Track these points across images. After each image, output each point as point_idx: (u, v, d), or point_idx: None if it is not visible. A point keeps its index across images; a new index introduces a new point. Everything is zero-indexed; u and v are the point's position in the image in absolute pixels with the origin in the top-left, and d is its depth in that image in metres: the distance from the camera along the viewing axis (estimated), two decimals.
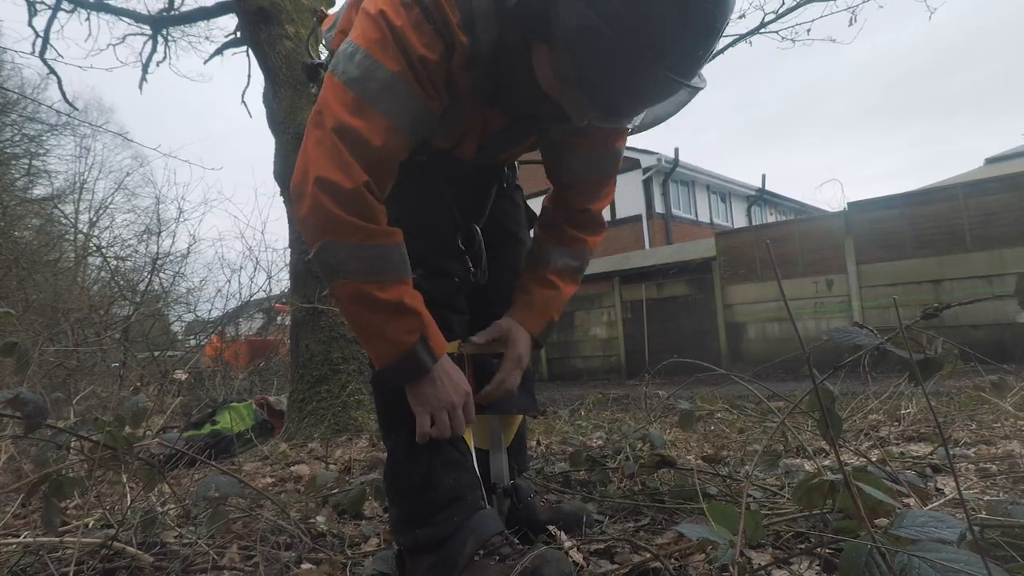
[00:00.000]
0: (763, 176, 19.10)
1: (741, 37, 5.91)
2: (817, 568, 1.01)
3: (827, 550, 1.03)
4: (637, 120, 1.14)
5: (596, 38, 0.84)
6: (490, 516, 1.09)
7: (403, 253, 1.01)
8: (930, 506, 1.25)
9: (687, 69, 0.88)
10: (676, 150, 14.86)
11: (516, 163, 1.50)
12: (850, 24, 5.62)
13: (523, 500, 1.34)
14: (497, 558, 1.02)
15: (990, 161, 15.42)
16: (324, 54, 1.37)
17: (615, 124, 1.16)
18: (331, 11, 1.39)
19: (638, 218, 15.05)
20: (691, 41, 0.85)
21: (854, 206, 8.76)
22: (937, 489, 1.50)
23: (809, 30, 5.82)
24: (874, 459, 1.54)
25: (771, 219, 18.23)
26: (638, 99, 0.96)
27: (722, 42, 6.01)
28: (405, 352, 0.99)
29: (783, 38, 5.93)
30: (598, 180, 1.31)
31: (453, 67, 0.99)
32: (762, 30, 5.82)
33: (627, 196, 15.05)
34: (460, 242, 1.26)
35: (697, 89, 0.97)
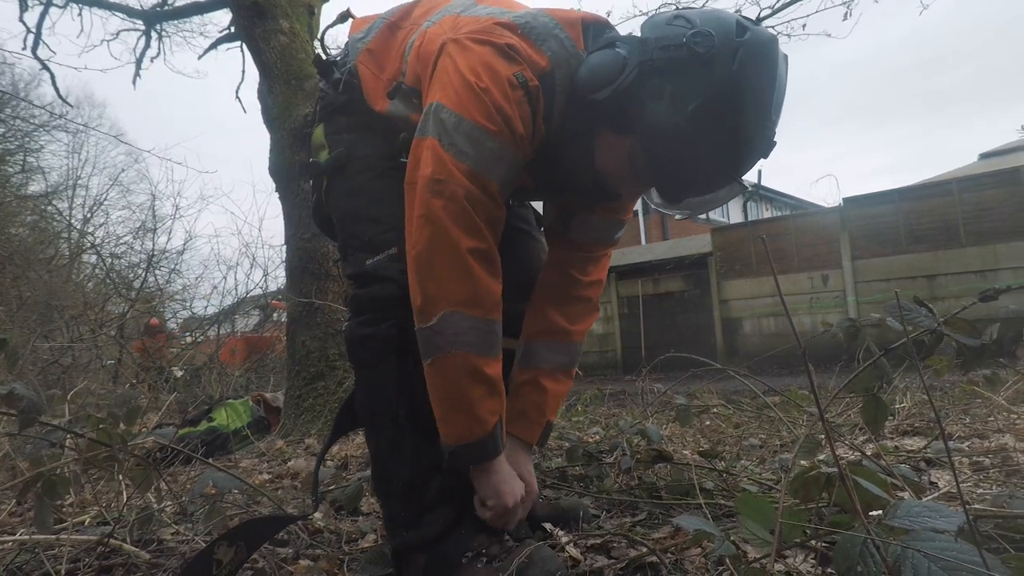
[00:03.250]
0: (759, 172, 19.09)
1: None
2: (812, 561, 1.02)
3: (822, 543, 1.04)
4: (688, 207, 1.16)
5: (684, 143, 0.93)
6: (478, 517, 1.08)
7: (501, 327, 1.03)
8: (925, 499, 1.26)
9: (746, 170, 1.01)
10: None
11: None
12: (844, 19, 5.62)
13: None
14: (485, 559, 1.02)
15: (984, 156, 15.49)
16: (340, 54, 1.33)
17: (669, 209, 1.19)
18: (358, 14, 1.35)
19: (634, 214, 15.07)
20: (756, 151, 0.98)
21: (849, 201, 8.79)
22: (931, 482, 1.51)
23: (804, 25, 5.82)
24: (869, 453, 1.55)
25: (767, 215, 18.26)
26: (700, 192, 1.06)
27: None
28: (488, 432, 0.99)
29: (778, 33, 5.93)
30: (602, 245, 1.34)
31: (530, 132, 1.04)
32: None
33: None
34: None
35: (747, 190, 1.09)
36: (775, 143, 0.98)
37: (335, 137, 1.22)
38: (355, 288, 1.14)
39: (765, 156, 1.00)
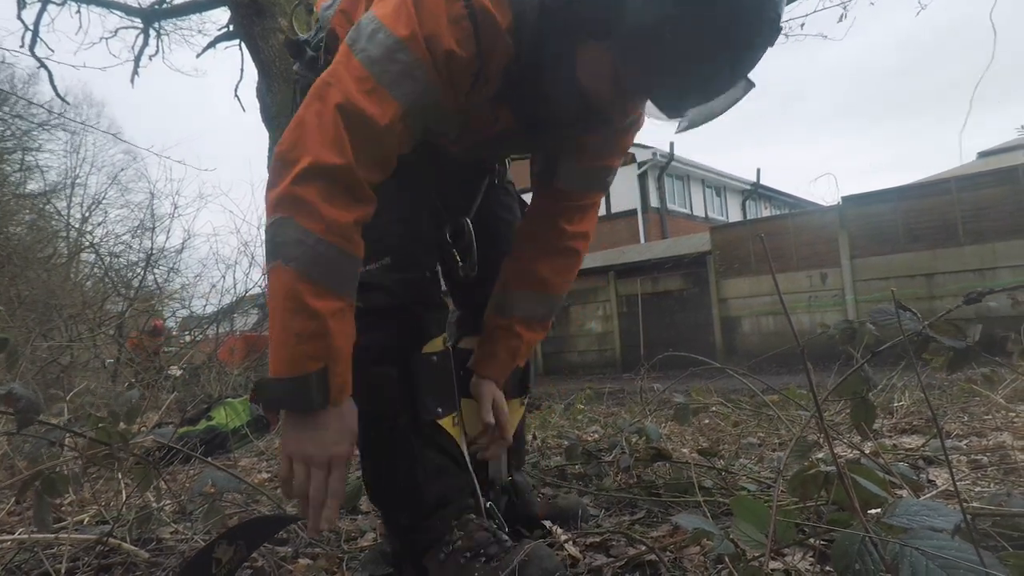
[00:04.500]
0: (758, 170, 19.13)
1: None
2: (811, 559, 1.02)
3: (821, 541, 1.04)
4: (689, 117, 1.10)
5: (670, 31, 0.80)
6: (476, 517, 1.08)
7: (356, 267, 0.93)
8: (923, 497, 1.26)
9: (752, 62, 0.87)
10: (671, 144, 14.88)
11: (507, 160, 1.49)
12: (840, 20, 5.62)
13: (521, 496, 1.33)
14: (483, 559, 1.00)
15: (983, 155, 15.50)
16: (311, 33, 1.31)
17: (672, 119, 1.10)
18: None
19: (633, 212, 15.06)
20: (758, 33, 0.83)
21: (848, 200, 8.79)
22: (929, 481, 1.51)
23: (803, 24, 5.82)
24: (867, 451, 1.56)
25: (766, 213, 18.27)
26: (703, 93, 0.91)
27: None
28: (297, 375, 0.86)
29: None
30: (589, 195, 1.28)
31: (489, 72, 0.95)
32: None
33: (622, 190, 15.05)
34: (448, 235, 1.22)
35: (752, 85, 0.94)
36: (780, 28, 0.84)
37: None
38: None
39: (771, 42, 0.85)
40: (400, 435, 1.05)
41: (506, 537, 1.07)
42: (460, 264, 1.22)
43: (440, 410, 1.07)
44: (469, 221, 1.24)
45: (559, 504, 1.35)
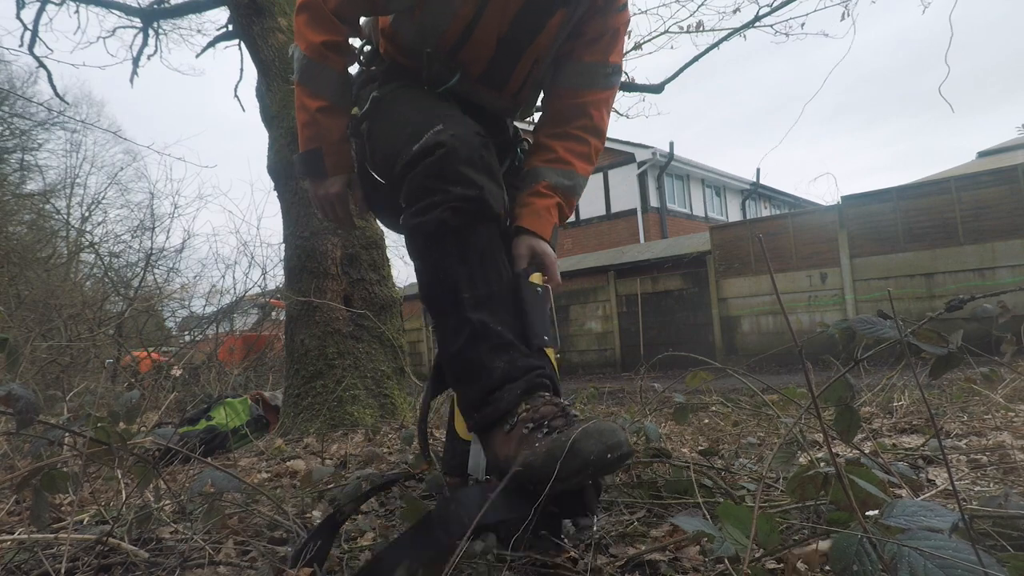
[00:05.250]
0: (757, 170, 19.13)
1: (736, 31, 5.91)
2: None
3: (820, 542, 1.04)
4: None
5: None
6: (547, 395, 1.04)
7: (334, 78, 1.23)
8: (922, 497, 1.26)
9: None
10: (671, 144, 14.88)
11: (525, 145, 1.49)
12: (842, 19, 5.62)
13: None
14: (546, 430, 0.96)
15: (982, 155, 15.50)
16: None
17: None
18: None
19: (633, 212, 15.06)
20: None
21: (847, 200, 8.79)
22: (929, 480, 1.51)
23: (803, 24, 5.83)
24: (867, 451, 1.56)
25: (765, 213, 18.27)
26: None
27: (719, 35, 6.02)
28: (306, 152, 1.27)
29: (776, 32, 5.93)
30: (593, 91, 1.35)
31: None
32: (756, 24, 5.82)
33: (622, 190, 15.05)
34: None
35: None
36: None
37: (365, 92, 1.34)
38: (408, 180, 1.12)
39: None
40: (463, 309, 1.06)
41: (576, 413, 1.01)
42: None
43: (495, 288, 1.09)
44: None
45: (543, 516, 1.32)
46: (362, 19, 1.34)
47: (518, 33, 1.25)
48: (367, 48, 1.44)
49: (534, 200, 1.30)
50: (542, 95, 1.43)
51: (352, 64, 1.33)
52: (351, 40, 1.31)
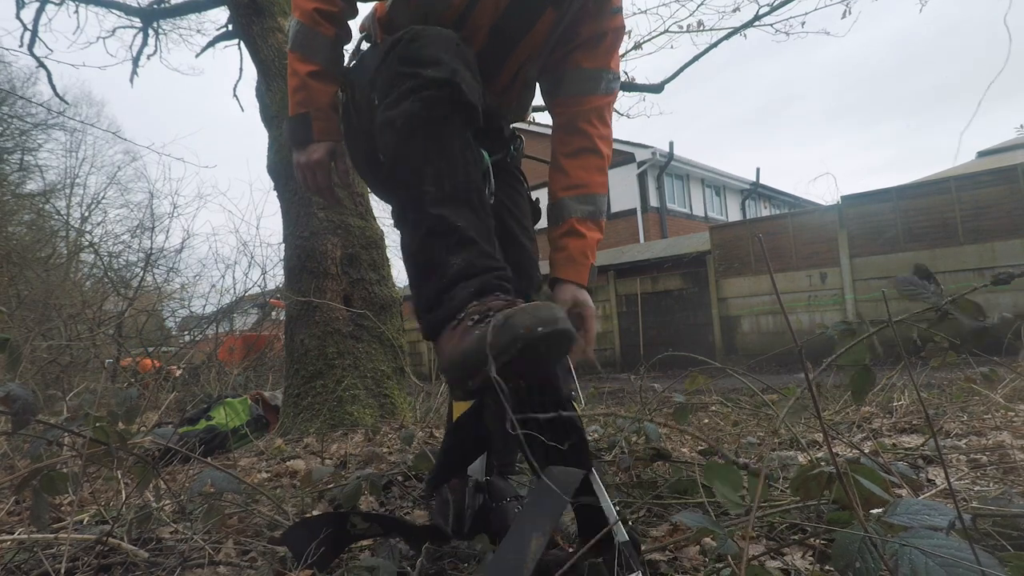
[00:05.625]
0: (757, 170, 19.13)
1: (736, 30, 5.91)
2: (811, 559, 1.02)
3: (821, 541, 1.04)
4: None
5: None
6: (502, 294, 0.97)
7: (327, 44, 1.26)
8: (922, 496, 1.26)
9: None
10: (671, 144, 14.87)
11: (520, 143, 1.49)
12: (843, 16, 5.62)
13: (497, 501, 1.28)
14: (488, 320, 0.88)
15: (982, 154, 15.51)
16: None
17: None
18: None
19: (633, 212, 15.06)
20: None
21: (847, 200, 8.79)
22: (929, 480, 1.51)
23: (804, 23, 5.83)
24: (867, 450, 1.56)
25: (765, 212, 18.26)
26: None
27: (718, 35, 6.02)
28: (294, 115, 1.28)
29: (776, 31, 5.93)
30: (595, 97, 1.38)
31: None
32: (756, 23, 5.82)
33: (622, 190, 15.05)
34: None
35: None
36: None
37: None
38: (381, 71, 1.11)
39: None
40: (424, 203, 1.02)
41: (524, 303, 0.91)
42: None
43: (460, 184, 1.03)
44: (488, 156, 1.22)
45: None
46: (361, 7, 1.35)
47: (509, 26, 1.26)
48: (365, 45, 1.43)
49: (568, 243, 1.35)
50: (548, 97, 1.44)
51: (346, 39, 1.33)
52: (348, 20, 1.33)
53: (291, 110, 1.30)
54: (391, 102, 1.05)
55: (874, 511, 0.74)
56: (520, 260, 1.32)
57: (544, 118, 8.06)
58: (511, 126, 1.51)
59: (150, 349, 5.94)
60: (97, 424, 1.07)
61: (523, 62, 1.34)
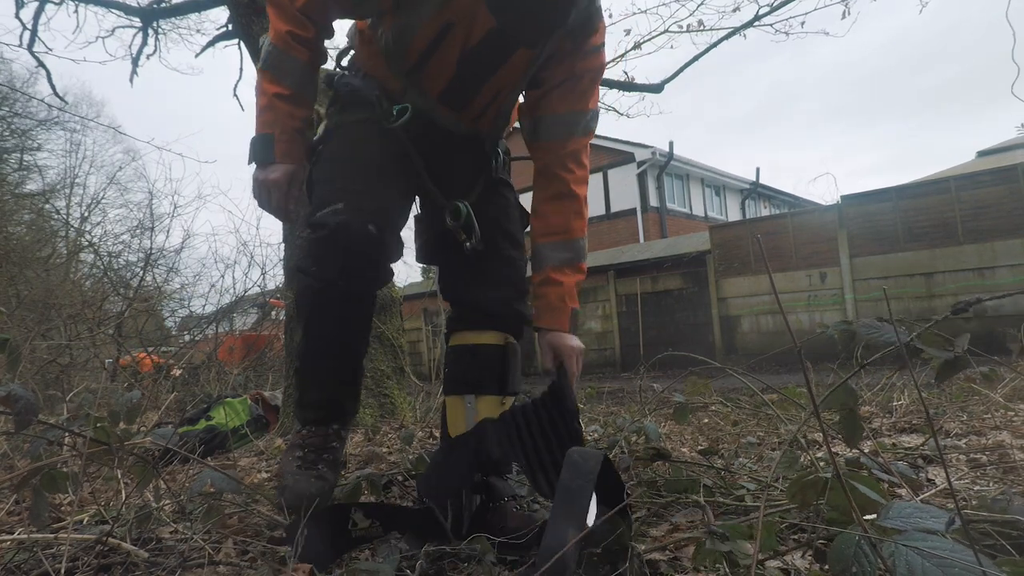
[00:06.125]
0: (757, 169, 19.15)
1: (736, 30, 5.91)
2: (810, 559, 1.02)
3: (820, 541, 1.04)
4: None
5: None
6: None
7: (298, 67, 1.26)
8: (921, 496, 1.26)
9: None
10: (671, 143, 14.87)
11: (505, 147, 1.51)
12: (843, 17, 5.62)
13: (495, 501, 1.28)
14: (298, 457, 1.32)
15: (982, 154, 15.51)
16: None
17: None
18: None
19: (632, 212, 15.05)
20: None
21: (847, 199, 8.79)
22: (928, 479, 1.51)
23: (803, 23, 5.82)
24: (866, 450, 1.56)
25: (765, 212, 18.26)
26: None
27: (718, 35, 6.02)
28: (259, 136, 1.27)
29: (776, 31, 5.93)
30: (573, 140, 1.38)
31: None
32: (756, 23, 5.82)
33: (622, 190, 15.04)
34: (448, 218, 1.33)
35: None
36: None
37: (330, 112, 1.39)
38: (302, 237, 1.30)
39: None
40: (302, 350, 1.34)
41: (336, 445, 1.34)
42: (467, 241, 1.33)
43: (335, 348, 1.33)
44: (467, 204, 1.34)
45: (534, 519, 1.22)
46: (338, 22, 1.35)
47: (480, 58, 1.27)
48: (349, 54, 1.47)
49: (547, 292, 1.38)
50: (527, 136, 1.44)
51: (321, 61, 1.34)
52: (323, 40, 1.33)
53: (256, 128, 1.29)
54: (298, 266, 1.27)
55: (867, 516, 0.74)
56: (507, 272, 1.40)
57: None
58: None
59: (149, 349, 5.94)
60: (98, 424, 1.08)
61: (497, 93, 1.35)
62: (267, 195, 1.30)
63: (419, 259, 1.51)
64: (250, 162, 1.30)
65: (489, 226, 1.38)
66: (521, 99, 1.43)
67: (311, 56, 1.29)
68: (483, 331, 1.37)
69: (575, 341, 1.38)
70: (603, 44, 1.34)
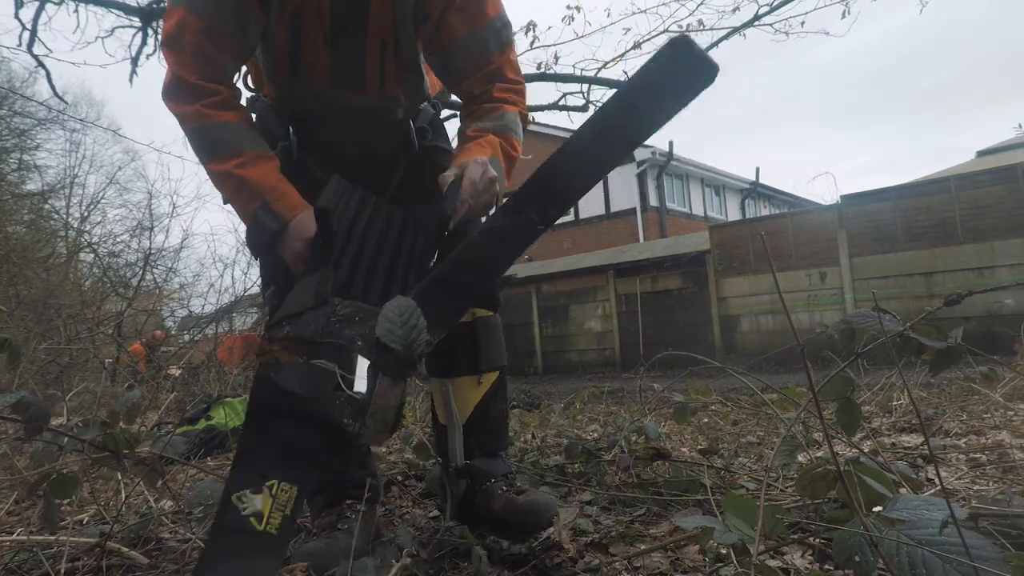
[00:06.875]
0: (756, 169, 19.15)
1: (736, 29, 5.91)
2: (810, 557, 1.02)
3: (820, 540, 1.04)
4: None
5: None
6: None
7: (235, 130, 1.11)
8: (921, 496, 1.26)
9: None
10: (670, 143, 14.87)
11: (432, 113, 1.38)
12: (843, 17, 5.62)
13: (480, 484, 1.24)
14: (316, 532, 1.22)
15: (981, 154, 15.51)
16: None
17: None
18: None
19: (632, 211, 15.06)
20: None
21: (847, 199, 8.80)
22: (928, 479, 1.51)
23: (803, 22, 5.83)
24: (866, 450, 1.56)
25: (765, 212, 18.27)
26: None
27: (718, 35, 6.02)
28: (252, 217, 1.10)
29: (776, 31, 5.93)
30: (487, 58, 1.23)
31: None
32: (756, 23, 5.82)
33: (621, 190, 15.04)
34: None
35: None
36: None
37: None
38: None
39: None
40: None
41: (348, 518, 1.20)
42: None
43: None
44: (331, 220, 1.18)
45: (516, 503, 1.17)
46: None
47: (343, 21, 1.17)
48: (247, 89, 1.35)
49: (468, 146, 1.20)
50: (439, 75, 1.31)
51: (245, 105, 1.23)
52: (237, 91, 1.19)
53: (243, 218, 1.12)
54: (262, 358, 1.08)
55: (875, 508, 0.74)
56: (402, 274, 1.19)
57: (544, 118, 8.06)
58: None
59: (143, 340, 5.94)
60: (108, 431, 1.08)
61: (381, 53, 1.22)
62: (302, 265, 1.11)
63: None
64: (258, 247, 1.13)
65: (398, 229, 1.23)
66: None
67: (238, 112, 1.14)
68: None
69: (478, 167, 1.13)
70: None
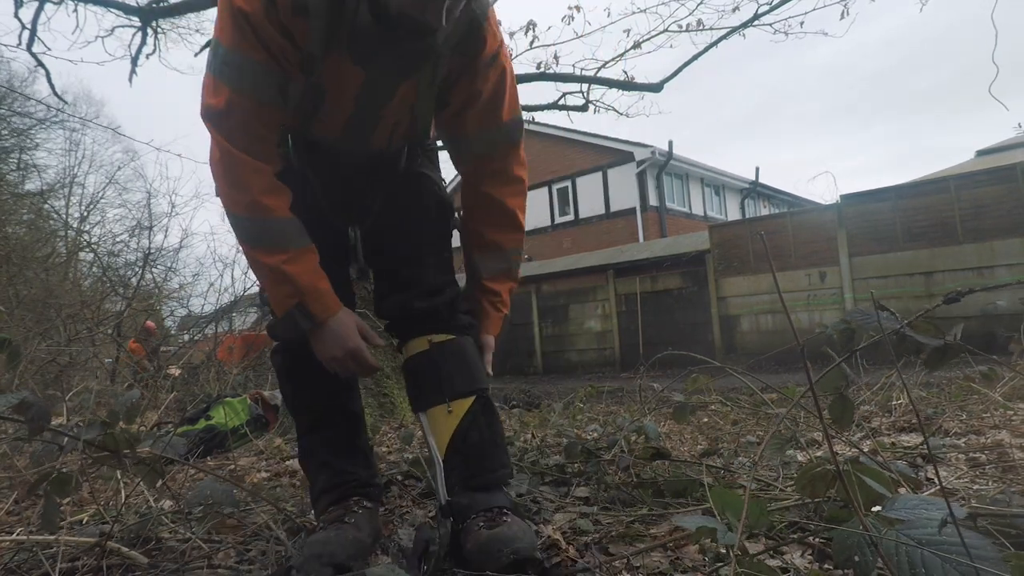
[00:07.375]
0: (756, 169, 19.15)
1: (736, 29, 5.90)
2: (810, 557, 1.02)
3: (819, 539, 1.05)
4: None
5: None
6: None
7: (285, 225, 1.14)
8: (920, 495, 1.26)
9: None
10: (670, 143, 14.87)
11: (424, 149, 1.43)
12: (842, 17, 5.62)
13: (462, 521, 1.15)
14: (320, 527, 1.24)
15: (981, 153, 15.51)
16: None
17: None
18: None
19: (632, 211, 15.05)
20: None
21: (846, 199, 8.80)
22: (928, 479, 1.51)
23: (803, 22, 5.82)
24: (866, 449, 1.56)
25: (764, 212, 18.27)
26: None
27: (718, 34, 6.02)
28: (285, 313, 1.16)
29: (776, 31, 5.93)
30: (498, 155, 1.31)
31: (281, 17, 1.04)
32: (755, 22, 5.82)
33: (621, 189, 15.04)
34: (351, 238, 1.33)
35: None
36: None
37: None
38: None
39: None
40: (300, 430, 1.42)
41: (355, 511, 1.24)
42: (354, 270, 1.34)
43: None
44: (356, 230, 1.33)
45: (484, 537, 1.07)
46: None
47: (369, 100, 1.21)
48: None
49: (481, 299, 1.39)
50: (452, 159, 1.40)
51: (288, 192, 1.20)
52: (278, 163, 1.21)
53: (276, 309, 1.17)
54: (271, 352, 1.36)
55: (874, 508, 0.74)
56: (406, 274, 1.34)
57: (544, 117, 8.05)
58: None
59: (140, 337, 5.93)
60: (109, 431, 1.08)
61: (392, 127, 1.28)
62: (354, 361, 1.18)
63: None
64: (284, 340, 1.27)
65: (392, 232, 1.34)
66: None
67: (285, 198, 1.15)
68: (409, 340, 1.32)
69: (490, 340, 1.39)
70: (498, 54, 1.22)
